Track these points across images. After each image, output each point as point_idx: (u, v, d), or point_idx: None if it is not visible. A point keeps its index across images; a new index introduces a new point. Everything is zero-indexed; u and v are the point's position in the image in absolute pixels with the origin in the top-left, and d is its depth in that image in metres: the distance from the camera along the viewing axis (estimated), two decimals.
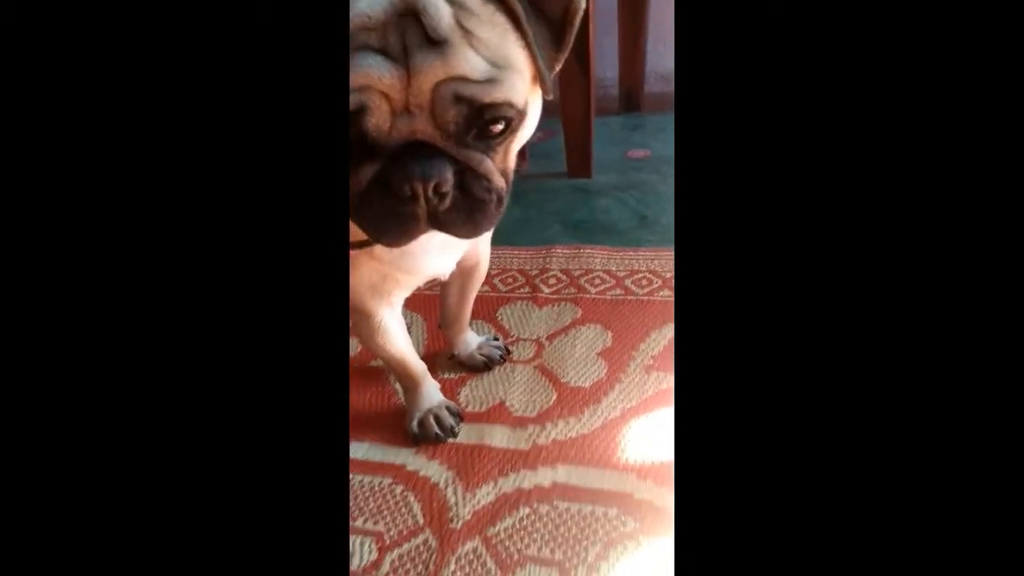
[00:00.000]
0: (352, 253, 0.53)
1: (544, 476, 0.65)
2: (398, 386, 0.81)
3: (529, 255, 1.09)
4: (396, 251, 0.52)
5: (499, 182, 0.43)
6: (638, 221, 1.19)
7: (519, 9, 0.39)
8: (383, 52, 0.37)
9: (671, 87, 2.01)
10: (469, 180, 0.40)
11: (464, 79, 0.37)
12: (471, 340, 0.82)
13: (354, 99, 0.37)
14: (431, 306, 0.94)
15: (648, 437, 0.68)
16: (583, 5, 0.42)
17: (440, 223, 0.42)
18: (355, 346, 0.91)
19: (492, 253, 1.10)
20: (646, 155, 1.52)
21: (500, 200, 0.43)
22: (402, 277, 0.57)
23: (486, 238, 0.72)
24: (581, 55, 1.30)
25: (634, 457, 0.66)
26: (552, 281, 1.01)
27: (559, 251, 1.09)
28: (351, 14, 0.37)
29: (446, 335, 0.83)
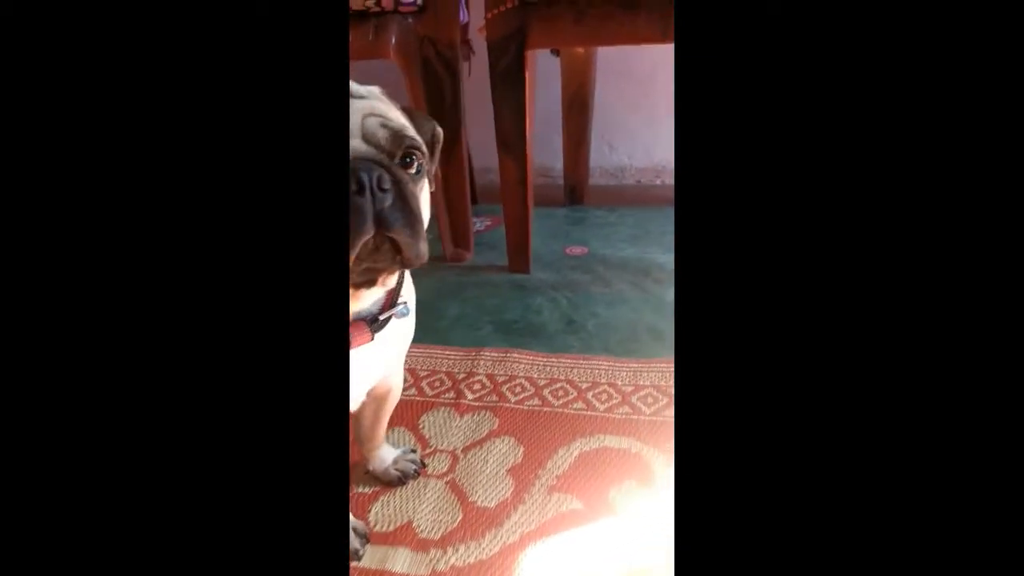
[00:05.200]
0: None
1: None
2: None
3: (459, 357, 1.14)
4: None
5: (424, 215, 0.51)
6: (565, 324, 1.26)
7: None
8: None
9: (614, 181, 2.15)
10: (405, 192, 0.48)
11: (384, 117, 0.49)
12: (386, 455, 0.86)
13: None
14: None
15: (541, 563, 0.72)
16: (442, 136, 0.58)
17: (384, 222, 0.47)
18: None
19: (425, 353, 1.16)
20: (583, 252, 1.62)
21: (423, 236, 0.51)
22: None
23: (399, 369, 0.77)
24: (519, 157, 1.40)
25: None
26: (477, 387, 1.06)
27: (487, 354, 1.14)
28: None
29: (361, 451, 0.86)
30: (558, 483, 0.83)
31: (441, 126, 0.62)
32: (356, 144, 0.48)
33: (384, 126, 0.49)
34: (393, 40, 1.31)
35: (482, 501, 0.81)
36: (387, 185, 0.46)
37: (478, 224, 1.79)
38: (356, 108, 0.49)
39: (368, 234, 0.46)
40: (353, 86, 0.51)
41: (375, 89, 0.54)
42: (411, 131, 0.52)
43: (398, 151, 0.50)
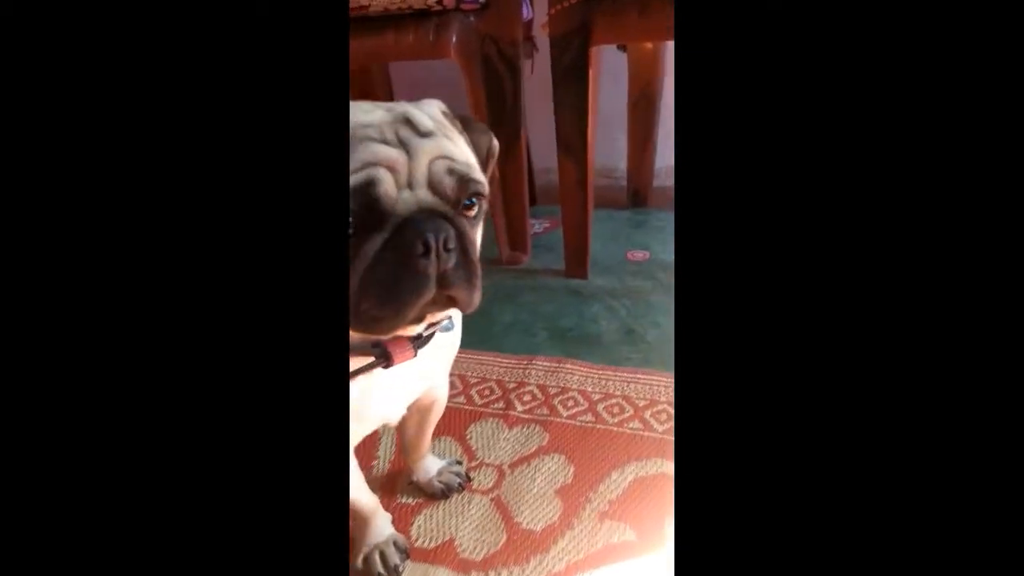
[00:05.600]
0: None
1: None
2: None
3: (510, 365, 1.11)
4: (355, 392, 0.54)
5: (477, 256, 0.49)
6: (624, 335, 1.20)
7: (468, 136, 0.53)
8: (383, 141, 0.45)
9: None
10: (466, 245, 0.47)
11: (451, 159, 0.47)
12: (431, 465, 0.83)
13: (362, 174, 0.43)
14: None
15: None
16: (498, 148, 0.55)
17: (446, 283, 0.46)
18: None
19: (475, 359, 1.13)
20: (645, 257, 1.54)
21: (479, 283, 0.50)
22: (354, 426, 0.58)
23: (444, 381, 0.74)
24: (580, 158, 1.34)
25: None
26: (527, 398, 1.02)
27: (540, 363, 1.10)
28: (352, 123, 0.45)
29: (405, 460, 0.84)
30: (610, 509, 0.78)
31: (501, 126, 0.59)
32: (423, 195, 0.46)
33: (451, 172, 0.47)
34: (454, 39, 1.29)
35: (528, 523, 0.77)
36: (452, 244, 0.45)
37: (536, 226, 1.74)
38: (424, 150, 0.46)
39: (429, 295, 0.45)
40: (416, 115, 0.47)
41: (434, 107, 0.51)
42: (477, 172, 0.49)
43: (464, 196, 0.48)
